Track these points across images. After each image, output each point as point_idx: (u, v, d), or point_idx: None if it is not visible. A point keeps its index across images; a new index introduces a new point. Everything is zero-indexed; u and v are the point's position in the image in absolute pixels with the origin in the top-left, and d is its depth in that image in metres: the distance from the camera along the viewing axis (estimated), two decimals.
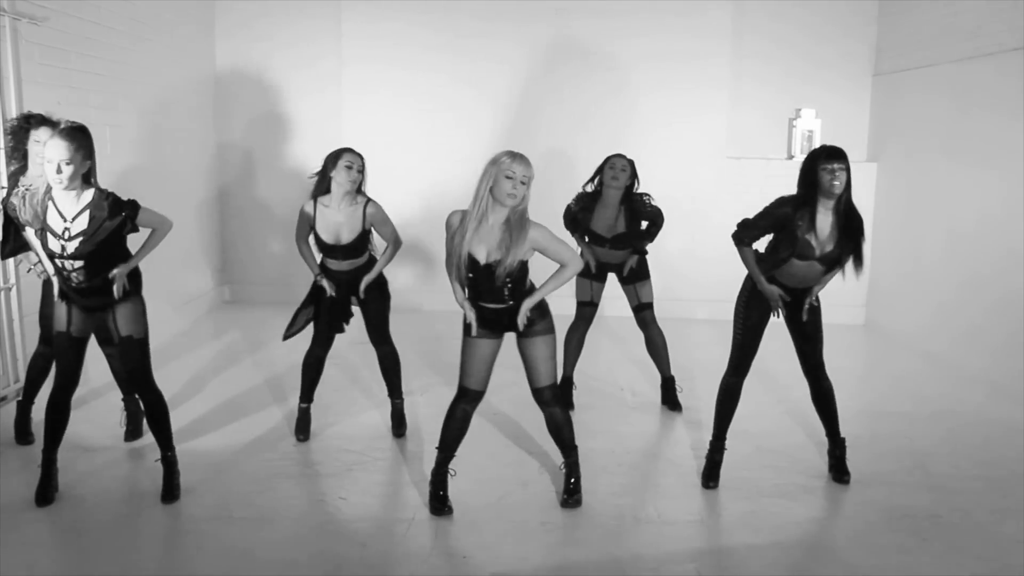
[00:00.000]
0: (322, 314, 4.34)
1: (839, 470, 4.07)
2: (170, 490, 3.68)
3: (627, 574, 3.24)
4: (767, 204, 3.83)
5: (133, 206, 3.49)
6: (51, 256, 3.44)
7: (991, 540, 3.54)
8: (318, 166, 4.30)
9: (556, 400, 3.67)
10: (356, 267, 4.32)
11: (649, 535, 3.53)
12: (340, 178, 4.15)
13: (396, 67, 7.48)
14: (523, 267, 3.47)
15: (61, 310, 3.54)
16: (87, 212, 3.39)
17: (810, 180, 3.67)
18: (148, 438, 4.34)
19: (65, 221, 3.38)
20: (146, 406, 3.72)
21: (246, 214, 7.80)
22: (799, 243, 3.71)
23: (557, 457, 3.96)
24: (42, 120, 4.02)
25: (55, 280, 3.54)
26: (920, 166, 6.72)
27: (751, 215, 3.90)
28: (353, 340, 5.27)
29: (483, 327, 3.56)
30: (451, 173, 7.35)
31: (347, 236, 4.21)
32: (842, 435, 4.10)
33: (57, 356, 3.63)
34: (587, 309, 4.93)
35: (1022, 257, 5.35)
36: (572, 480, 3.76)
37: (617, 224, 4.74)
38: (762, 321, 3.92)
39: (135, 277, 3.62)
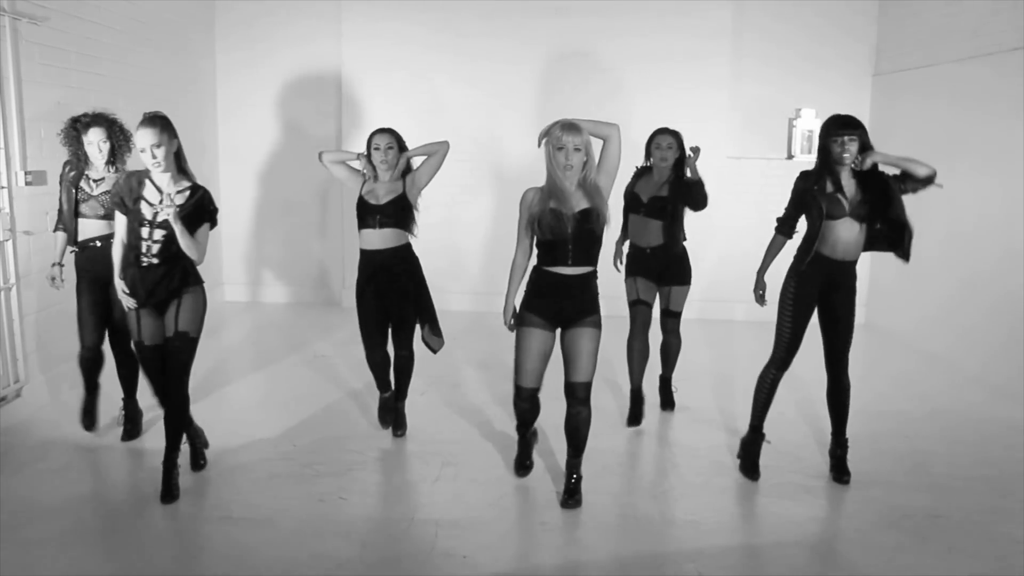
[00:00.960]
0: (369, 320, 4.37)
1: (839, 470, 4.07)
2: (169, 490, 3.68)
3: (627, 574, 3.25)
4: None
5: (214, 215, 3.73)
6: (140, 223, 3.58)
7: (991, 540, 3.54)
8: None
9: (586, 400, 3.62)
10: (394, 248, 4.33)
11: (649, 535, 3.53)
12: (375, 160, 4.31)
13: (396, 67, 7.49)
14: (600, 224, 3.47)
15: (132, 321, 3.73)
16: (187, 192, 3.64)
17: (823, 150, 3.77)
18: (147, 438, 4.35)
19: (161, 193, 3.60)
20: (170, 407, 3.72)
21: (245, 214, 7.80)
22: (827, 203, 3.76)
23: (558, 457, 3.96)
24: (90, 122, 4.06)
25: (124, 293, 3.66)
26: None
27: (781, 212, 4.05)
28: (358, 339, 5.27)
29: (540, 314, 3.54)
30: (451, 173, 7.33)
31: (385, 197, 4.30)
32: (845, 436, 4.10)
33: (142, 364, 3.87)
34: (639, 309, 4.79)
35: (1022, 257, 5.35)
36: (573, 480, 3.76)
37: (660, 191, 4.74)
38: (807, 314, 3.90)
39: (195, 273, 3.73)
